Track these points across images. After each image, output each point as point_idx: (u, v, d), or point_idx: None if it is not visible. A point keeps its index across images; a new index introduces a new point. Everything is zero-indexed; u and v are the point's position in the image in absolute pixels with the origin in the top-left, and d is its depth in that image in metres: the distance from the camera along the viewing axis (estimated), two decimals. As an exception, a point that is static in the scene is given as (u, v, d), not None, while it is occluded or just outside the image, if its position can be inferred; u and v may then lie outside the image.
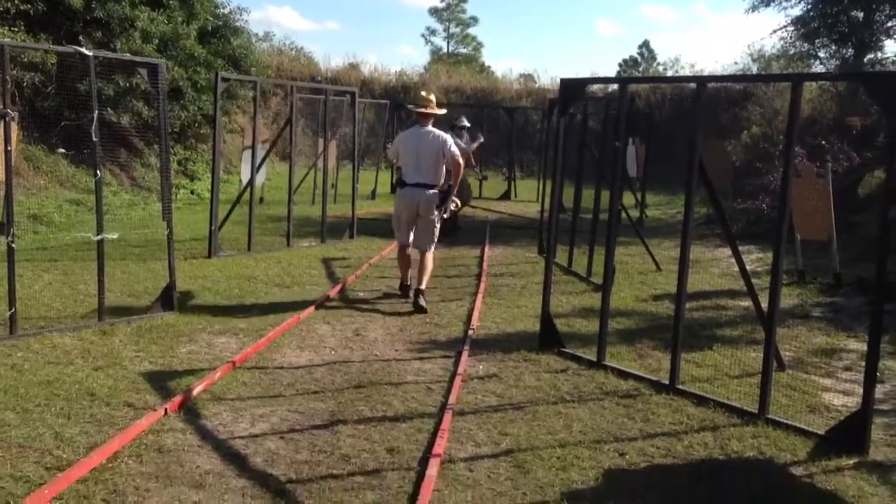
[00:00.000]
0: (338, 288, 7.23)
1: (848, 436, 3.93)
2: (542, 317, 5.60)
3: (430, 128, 6.75)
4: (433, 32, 53.83)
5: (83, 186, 11.77)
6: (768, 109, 17.06)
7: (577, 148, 8.77)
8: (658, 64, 49.24)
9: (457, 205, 7.85)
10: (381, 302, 6.90)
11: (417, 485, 3.37)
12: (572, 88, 5.70)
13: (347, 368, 4.99)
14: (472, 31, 54.02)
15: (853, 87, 12.85)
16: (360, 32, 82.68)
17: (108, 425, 3.85)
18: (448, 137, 6.76)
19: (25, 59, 11.22)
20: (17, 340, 5.11)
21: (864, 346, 4.50)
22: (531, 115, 23.44)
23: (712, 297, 7.47)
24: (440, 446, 3.74)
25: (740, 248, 5.44)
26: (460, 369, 4.94)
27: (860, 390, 4.01)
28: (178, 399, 4.16)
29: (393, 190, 12.79)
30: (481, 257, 9.37)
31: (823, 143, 10.21)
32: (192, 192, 14.20)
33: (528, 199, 16.41)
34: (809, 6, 16.53)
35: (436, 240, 6.89)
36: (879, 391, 4.59)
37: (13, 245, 5.18)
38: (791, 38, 17.55)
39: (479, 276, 8.14)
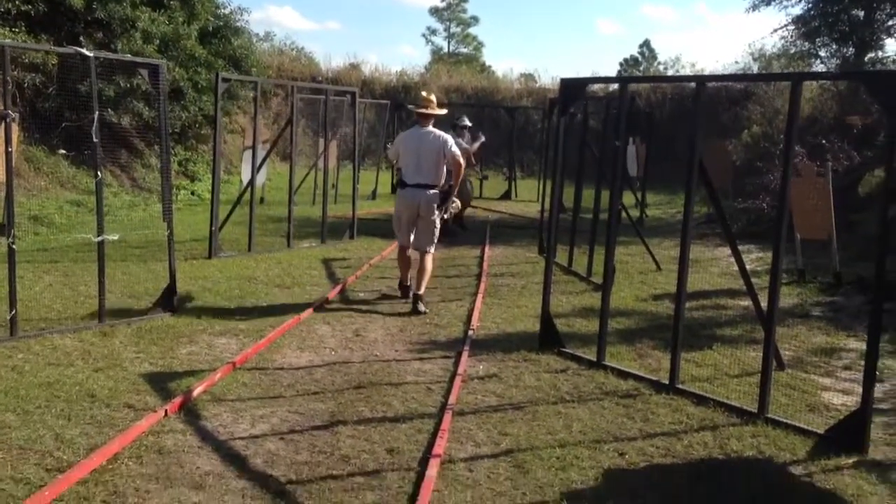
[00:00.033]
0: (338, 289, 7.23)
1: (847, 435, 3.93)
2: (542, 317, 5.60)
3: (430, 128, 6.75)
4: (434, 32, 53.91)
5: (84, 187, 11.78)
6: (769, 109, 17.05)
7: (577, 147, 8.77)
8: (659, 63, 49.29)
9: (457, 206, 7.86)
10: (381, 302, 6.90)
11: (417, 485, 3.38)
12: (572, 88, 5.70)
13: (347, 369, 4.99)
14: (472, 30, 54.12)
15: (854, 86, 12.84)
16: (360, 32, 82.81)
17: (109, 427, 3.86)
18: (449, 138, 6.75)
19: (26, 60, 11.22)
20: (17, 342, 5.11)
21: (863, 346, 4.49)
22: (532, 115, 23.42)
23: (712, 296, 7.47)
24: (440, 447, 3.74)
25: (740, 247, 5.45)
26: (460, 369, 4.94)
27: (860, 389, 4.01)
28: (178, 400, 4.17)
29: (393, 190, 12.82)
30: (481, 257, 9.37)
31: (824, 142, 10.21)
32: (192, 193, 14.20)
33: (528, 199, 16.40)
34: (810, 5, 16.53)
35: (436, 241, 6.87)
36: (879, 390, 4.59)
37: (14, 246, 5.18)
38: (792, 37, 17.55)
39: (479, 276, 8.15)
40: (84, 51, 5.69)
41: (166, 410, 4.04)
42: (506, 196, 17.38)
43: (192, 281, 7.25)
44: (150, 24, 13.34)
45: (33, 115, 11.63)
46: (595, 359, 5.18)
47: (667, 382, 4.74)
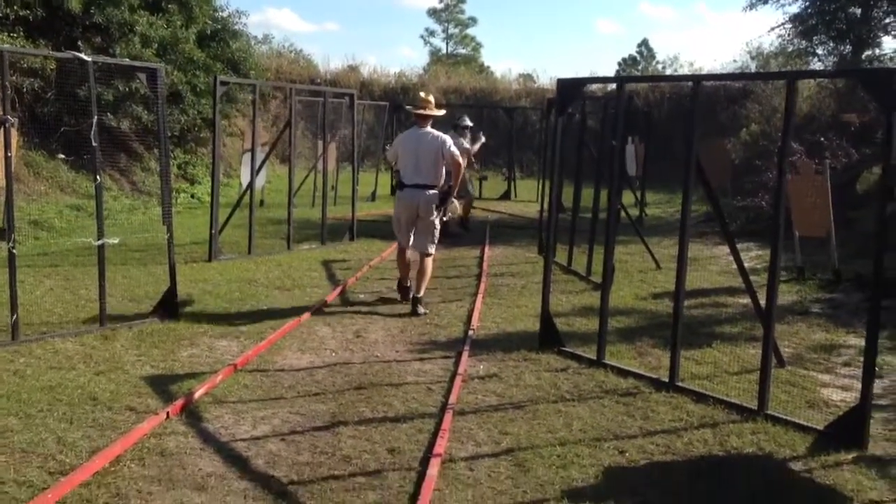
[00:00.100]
0: (338, 291, 7.24)
1: (847, 431, 3.95)
2: (542, 316, 5.62)
3: (428, 129, 6.75)
4: (432, 33, 53.92)
5: (83, 192, 11.79)
6: (767, 107, 17.08)
7: (576, 147, 8.79)
8: (657, 62, 49.31)
9: (456, 207, 7.86)
10: (381, 304, 6.91)
11: (418, 484, 3.39)
12: (569, 88, 5.72)
13: (348, 370, 5.01)
14: (470, 31, 54.14)
15: (852, 83, 12.86)
16: (359, 34, 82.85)
17: (111, 429, 3.87)
18: (447, 138, 6.75)
19: (25, 65, 11.24)
20: (19, 346, 5.13)
21: (862, 342, 4.50)
22: (530, 115, 23.43)
23: (711, 294, 7.49)
24: (441, 446, 3.75)
25: (740, 245, 5.47)
26: (461, 369, 4.96)
27: (859, 386, 4.03)
28: (179, 402, 4.18)
29: (393, 192, 12.83)
30: (481, 257, 9.39)
31: (822, 139, 10.23)
32: (192, 196, 14.22)
33: (527, 199, 16.42)
34: (807, 3, 16.53)
35: (436, 241, 6.86)
36: (878, 386, 4.61)
37: (14, 251, 5.19)
38: (789, 35, 17.55)
39: (479, 277, 8.16)
40: (82, 55, 5.71)
41: (168, 413, 4.05)
42: (505, 196, 17.40)
43: (193, 284, 7.26)
44: (148, 28, 13.35)
45: (32, 120, 11.65)
46: (595, 357, 5.20)
47: (667, 380, 4.75)
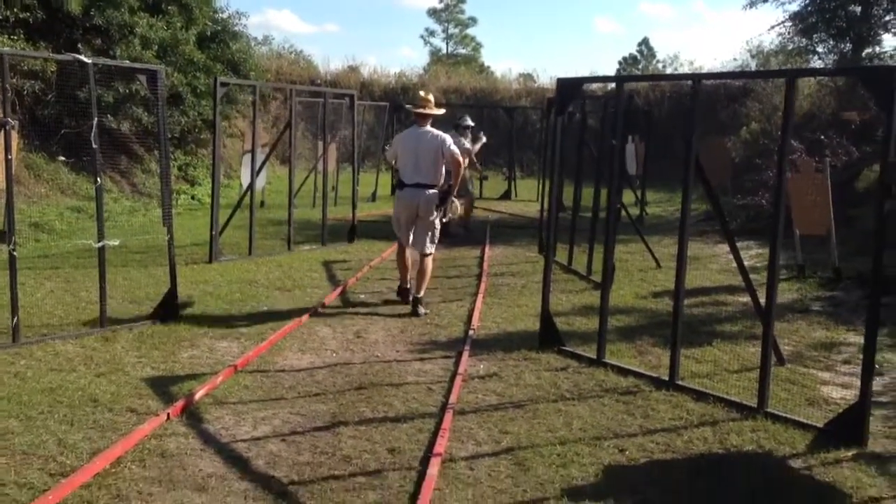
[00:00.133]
0: (338, 291, 7.25)
1: (846, 428, 3.95)
2: (542, 315, 5.62)
3: (428, 128, 6.74)
4: (432, 33, 53.94)
5: (84, 194, 11.80)
6: (767, 105, 17.07)
7: (576, 147, 8.79)
8: (657, 61, 49.30)
9: (456, 206, 7.86)
10: (381, 304, 6.92)
11: (418, 484, 3.40)
12: (569, 88, 5.72)
13: (348, 370, 5.01)
14: (470, 31, 54.16)
15: (852, 81, 12.85)
16: (359, 34, 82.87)
17: (111, 431, 3.88)
18: (447, 137, 6.73)
19: (25, 68, 11.27)
20: (19, 348, 5.13)
21: (862, 340, 4.51)
22: (530, 115, 23.44)
23: (711, 293, 7.49)
24: (441, 445, 3.76)
25: (740, 244, 5.47)
26: (461, 369, 4.96)
27: (859, 383, 4.02)
28: (180, 404, 4.19)
29: (393, 192, 12.83)
30: (481, 257, 9.39)
31: (822, 137, 10.22)
32: (192, 198, 14.23)
33: (528, 199, 16.42)
34: (808, 1, 16.52)
35: (436, 241, 6.85)
36: (878, 384, 4.62)
37: (15, 253, 5.20)
38: (789, 33, 17.55)
39: (479, 276, 8.17)
40: (82, 57, 5.71)
41: (168, 414, 4.06)
42: (505, 196, 17.40)
43: (193, 285, 7.27)
44: (148, 30, 13.37)
45: (33, 123, 11.67)
46: (595, 356, 5.20)
47: (667, 379, 4.75)
